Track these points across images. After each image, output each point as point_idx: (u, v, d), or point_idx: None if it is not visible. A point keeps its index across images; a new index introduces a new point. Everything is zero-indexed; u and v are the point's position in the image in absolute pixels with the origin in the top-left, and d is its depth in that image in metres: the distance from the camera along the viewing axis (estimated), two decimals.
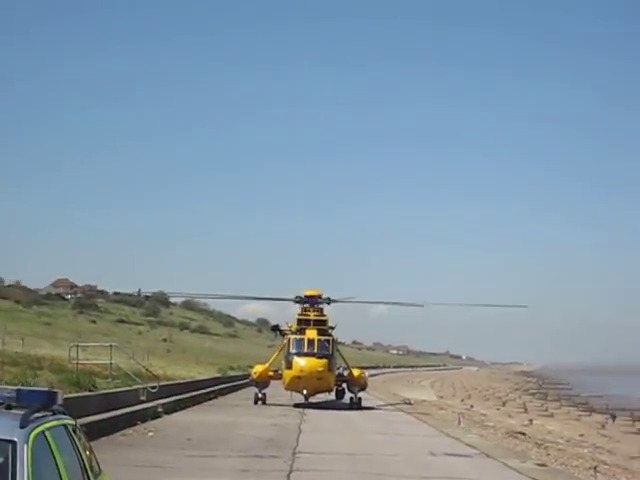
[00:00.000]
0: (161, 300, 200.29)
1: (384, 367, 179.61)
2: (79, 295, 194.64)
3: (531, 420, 62.58)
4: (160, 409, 36.58)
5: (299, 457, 24.41)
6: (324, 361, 47.90)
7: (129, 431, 28.98)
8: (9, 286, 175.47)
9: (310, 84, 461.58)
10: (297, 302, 52.65)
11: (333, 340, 50.24)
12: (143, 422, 31.82)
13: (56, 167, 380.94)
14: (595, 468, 25.44)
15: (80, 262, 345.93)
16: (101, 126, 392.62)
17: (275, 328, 55.28)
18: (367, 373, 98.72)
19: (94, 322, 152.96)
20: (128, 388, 37.06)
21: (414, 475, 21.58)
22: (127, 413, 31.69)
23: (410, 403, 61.08)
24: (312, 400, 50.43)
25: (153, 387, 37.82)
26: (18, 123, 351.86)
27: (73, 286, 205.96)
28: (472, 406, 75.32)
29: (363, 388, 52.74)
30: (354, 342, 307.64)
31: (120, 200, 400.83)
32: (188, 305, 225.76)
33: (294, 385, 48.57)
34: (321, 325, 50.28)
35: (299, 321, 50.79)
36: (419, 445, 29.29)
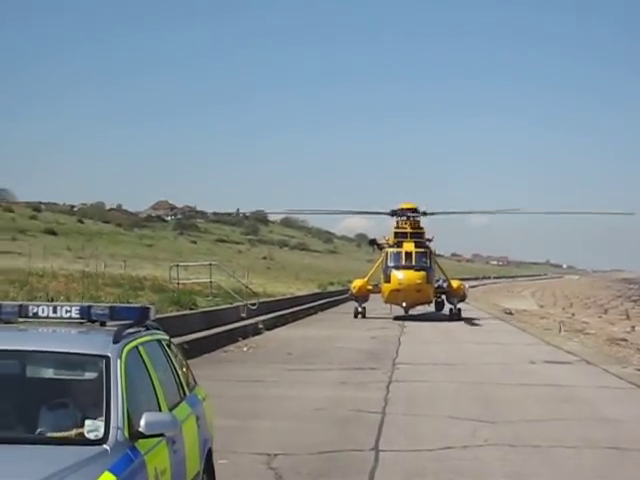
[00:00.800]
0: (260, 218, 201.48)
1: (484, 278, 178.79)
2: (179, 216, 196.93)
3: (633, 327, 61.79)
4: (261, 325, 36.98)
5: (398, 368, 24.58)
6: (422, 273, 48.00)
7: (230, 347, 29.39)
8: (110, 210, 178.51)
9: None
10: (393, 215, 52.65)
11: (430, 252, 50.31)
12: (244, 338, 32.17)
13: (153, 88, 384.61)
14: None
15: (179, 184, 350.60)
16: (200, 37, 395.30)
17: (372, 242, 55.54)
18: (467, 284, 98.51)
19: (194, 242, 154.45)
20: (228, 306, 37.52)
21: (514, 383, 21.57)
22: (228, 330, 32.12)
23: (511, 313, 60.86)
24: (411, 312, 50.70)
25: (253, 304, 38.21)
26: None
27: (173, 208, 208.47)
28: (573, 314, 74.59)
29: (462, 299, 52.69)
30: (453, 254, 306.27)
31: (215, 117, 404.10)
32: (287, 223, 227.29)
33: (393, 298, 48.84)
34: (418, 238, 50.29)
35: (396, 234, 50.87)
36: (518, 354, 29.26)
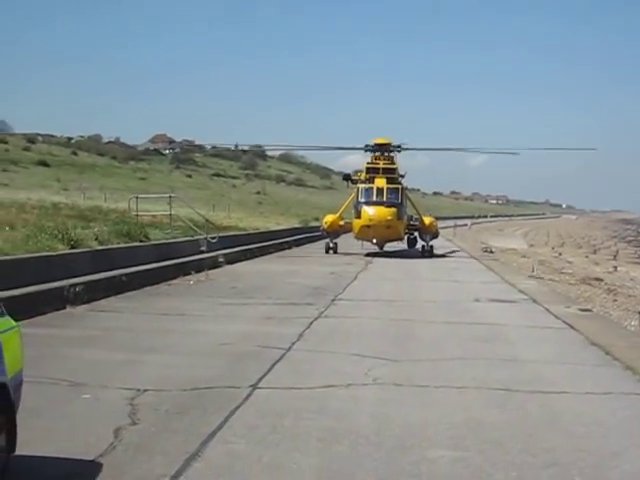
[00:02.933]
0: (258, 153, 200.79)
1: (480, 217, 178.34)
2: (176, 150, 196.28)
3: (616, 267, 61.27)
4: (221, 259, 36.57)
5: (336, 304, 24.06)
6: (393, 209, 47.40)
7: (176, 281, 28.94)
8: (107, 143, 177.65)
9: None
10: (367, 150, 51.95)
11: (402, 188, 49.64)
12: (198, 272, 31.67)
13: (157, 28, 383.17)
14: None
15: (179, 118, 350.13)
16: None
17: (347, 177, 54.72)
18: (458, 223, 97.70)
19: (189, 176, 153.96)
20: (187, 238, 37.13)
21: (446, 320, 21.06)
22: (180, 263, 31.61)
23: (491, 251, 60.29)
24: (386, 249, 50.26)
25: (213, 237, 37.78)
26: None
27: (171, 141, 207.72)
28: (560, 254, 74.16)
29: (435, 236, 52.41)
30: (452, 192, 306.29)
31: (215, 58, 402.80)
32: (286, 158, 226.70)
33: (363, 234, 48.39)
34: (390, 174, 49.56)
35: (368, 170, 50.23)
36: (469, 292, 28.69)
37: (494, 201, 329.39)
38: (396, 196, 48.22)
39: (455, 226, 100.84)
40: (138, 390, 12.34)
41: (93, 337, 17.09)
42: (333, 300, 24.95)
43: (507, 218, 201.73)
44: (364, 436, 10.32)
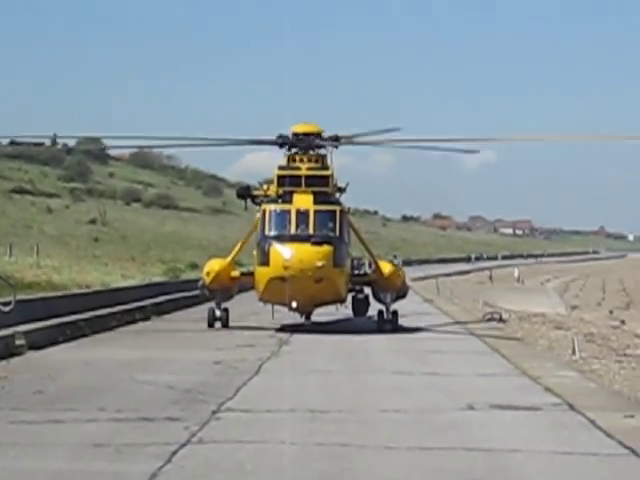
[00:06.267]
0: (95, 153, 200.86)
1: (479, 259, 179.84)
2: None
3: None
4: (21, 341, 36.63)
5: (220, 419, 24.10)
6: (326, 249, 46.98)
7: None
8: None
9: None
10: (282, 145, 51.14)
11: (342, 211, 49.33)
12: None
13: None
14: None
15: None
16: None
17: (244, 193, 53.11)
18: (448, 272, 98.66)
19: None
20: None
21: (409, 444, 21.12)
22: None
23: (501, 319, 60.74)
24: (316, 317, 50.43)
25: (6, 303, 37.72)
26: None
27: None
28: (623, 322, 74.85)
29: (401, 294, 52.39)
30: (436, 216, 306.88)
31: None
32: (142, 160, 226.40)
33: (275, 294, 47.87)
34: (320, 185, 49.18)
35: (281, 179, 49.66)
36: (457, 392, 28.94)
37: (509, 230, 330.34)
38: (331, 225, 47.79)
39: (438, 276, 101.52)
40: None
41: None
42: (216, 412, 24.98)
43: (533, 260, 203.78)
44: None
